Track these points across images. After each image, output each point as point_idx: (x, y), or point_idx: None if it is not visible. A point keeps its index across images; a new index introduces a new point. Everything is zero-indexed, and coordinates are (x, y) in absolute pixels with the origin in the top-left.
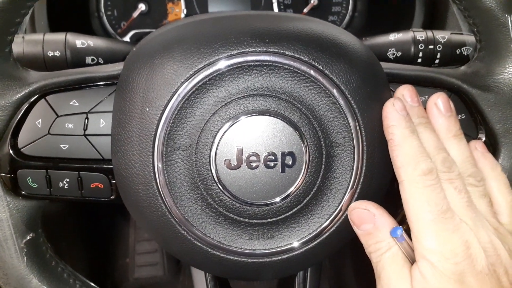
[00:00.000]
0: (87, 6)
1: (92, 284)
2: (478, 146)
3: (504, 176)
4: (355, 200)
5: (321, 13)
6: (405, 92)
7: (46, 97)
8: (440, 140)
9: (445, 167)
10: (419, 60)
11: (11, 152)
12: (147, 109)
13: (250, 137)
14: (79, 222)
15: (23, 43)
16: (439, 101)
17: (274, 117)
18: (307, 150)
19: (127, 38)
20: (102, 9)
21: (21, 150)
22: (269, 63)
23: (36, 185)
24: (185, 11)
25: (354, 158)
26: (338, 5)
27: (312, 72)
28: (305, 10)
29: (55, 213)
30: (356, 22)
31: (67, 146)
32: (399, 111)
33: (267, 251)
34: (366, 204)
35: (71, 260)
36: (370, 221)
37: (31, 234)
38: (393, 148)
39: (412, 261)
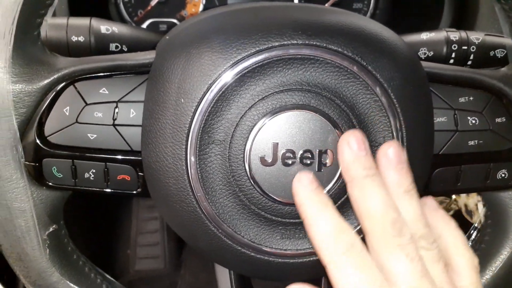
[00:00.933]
0: None
1: (111, 278)
2: (429, 202)
3: (459, 231)
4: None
5: (341, 8)
6: (350, 138)
7: (75, 84)
8: (389, 196)
9: (396, 230)
10: (451, 61)
11: (37, 140)
12: (182, 100)
13: (286, 133)
14: (80, 213)
15: (47, 27)
16: (390, 151)
17: (313, 112)
18: None
19: (144, 27)
20: None
21: (47, 138)
22: (311, 57)
23: (61, 175)
24: (204, 1)
25: None
26: (360, 2)
27: (355, 68)
28: (326, 5)
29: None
30: (377, 20)
31: (95, 135)
32: (307, 185)
33: (298, 252)
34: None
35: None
36: None
37: (54, 226)
38: (308, 229)
39: None
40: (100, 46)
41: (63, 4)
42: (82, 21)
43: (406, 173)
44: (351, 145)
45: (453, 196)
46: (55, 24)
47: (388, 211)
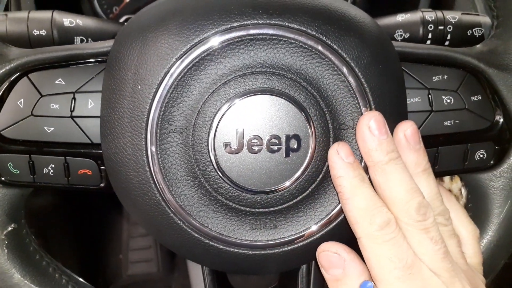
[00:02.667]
0: None
1: (79, 278)
2: None
3: (460, 205)
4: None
5: None
6: (371, 123)
7: (29, 75)
8: (411, 179)
9: (420, 215)
10: (428, 42)
11: None
12: (139, 87)
13: (251, 119)
14: (70, 216)
15: (6, 21)
16: (408, 132)
17: (278, 96)
18: (314, 132)
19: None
20: None
21: (1, 132)
22: (273, 37)
23: (18, 171)
24: None
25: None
26: None
27: (319, 47)
28: None
29: (43, 207)
30: (359, 5)
31: (52, 128)
32: (345, 158)
33: (269, 242)
34: (337, 247)
35: (61, 256)
36: (339, 266)
37: (12, 225)
38: (344, 202)
39: None
40: (64, 40)
41: (29, 0)
42: (44, 14)
43: (423, 152)
44: (372, 130)
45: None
46: (15, 18)
47: (413, 196)
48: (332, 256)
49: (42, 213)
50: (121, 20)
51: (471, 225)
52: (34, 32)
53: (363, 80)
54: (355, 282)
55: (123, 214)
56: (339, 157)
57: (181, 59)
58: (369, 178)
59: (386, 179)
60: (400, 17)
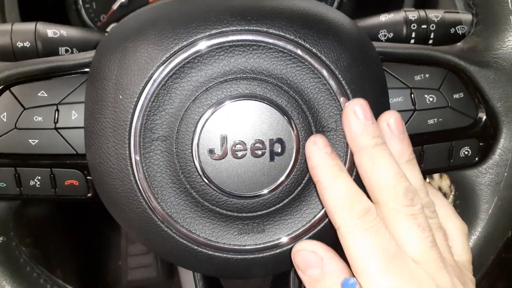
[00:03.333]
0: None
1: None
2: None
3: (447, 201)
4: None
5: None
6: (356, 108)
7: (11, 89)
8: (398, 165)
9: (408, 200)
10: (412, 41)
11: None
12: (121, 97)
13: (234, 124)
14: (67, 224)
15: None
16: (391, 121)
17: (260, 101)
18: (297, 136)
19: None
20: (80, 1)
21: None
22: (252, 43)
23: (4, 185)
24: None
25: (347, 143)
26: None
27: (299, 51)
28: None
29: (40, 216)
30: (345, 7)
31: (37, 141)
32: (322, 148)
33: (258, 246)
34: (313, 246)
35: (60, 265)
36: (317, 266)
37: (1, 238)
38: (322, 193)
39: None
40: (48, 51)
41: (14, 13)
42: (27, 26)
43: (407, 142)
44: (358, 114)
45: (427, 179)
46: None
47: (400, 180)
48: (308, 255)
49: (39, 222)
50: (108, 28)
51: (459, 221)
52: (18, 44)
53: (343, 82)
54: (336, 281)
55: None
56: (316, 147)
57: (161, 68)
58: (349, 168)
59: (373, 163)
60: (384, 17)
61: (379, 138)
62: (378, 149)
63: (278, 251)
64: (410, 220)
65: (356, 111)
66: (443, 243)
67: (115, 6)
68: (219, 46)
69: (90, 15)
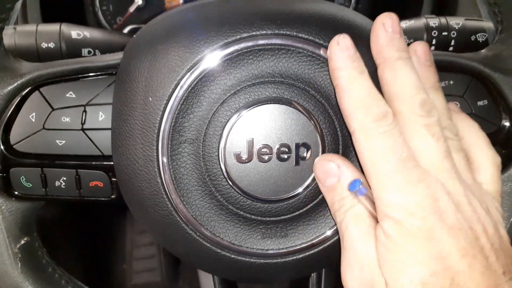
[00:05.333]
0: (81, 0)
1: None
2: (452, 106)
3: (483, 133)
4: None
5: None
6: (386, 20)
7: (40, 89)
8: (419, 79)
9: (424, 111)
10: (432, 48)
11: (3, 148)
12: (150, 99)
13: (261, 128)
14: (74, 227)
15: (15, 35)
16: (419, 48)
17: (287, 105)
18: (323, 140)
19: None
20: (97, 4)
21: (13, 146)
22: (281, 47)
23: (31, 185)
24: (182, 2)
25: None
26: None
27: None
28: None
29: (49, 218)
30: (360, 11)
31: (64, 141)
32: (344, 50)
33: (280, 251)
34: (331, 156)
35: (66, 267)
36: (334, 175)
37: (25, 238)
38: (340, 95)
39: (376, 219)
40: (72, 52)
41: (36, 13)
42: (52, 27)
43: (434, 70)
44: (386, 27)
45: None
46: (23, 31)
47: (419, 92)
48: (326, 164)
49: (47, 225)
50: (125, 30)
51: (491, 151)
52: (43, 45)
53: None
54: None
55: (127, 224)
56: (338, 48)
57: (191, 71)
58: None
59: (394, 74)
60: (404, 24)
61: (404, 52)
62: (401, 61)
63: (300, 256)
64: (424, 129)
65: (385, 24)
66: (462, 163)
67: (132, 9)
68: (249, 49)
69: (107, 17)
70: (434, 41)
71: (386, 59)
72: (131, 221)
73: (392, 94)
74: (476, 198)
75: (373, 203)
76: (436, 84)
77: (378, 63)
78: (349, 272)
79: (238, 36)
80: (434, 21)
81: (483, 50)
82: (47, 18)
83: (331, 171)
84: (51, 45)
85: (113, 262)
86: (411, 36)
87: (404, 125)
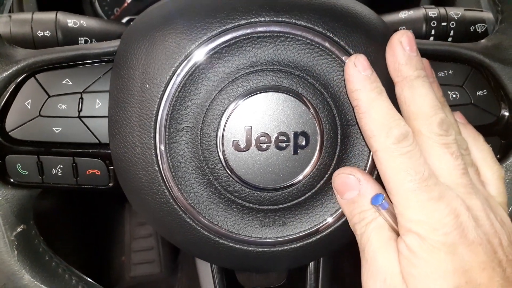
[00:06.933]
0: None
1: (88, 279)
2: (458, 117)
3: (487, 146)
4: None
5: None
6: (403, 39)
7: (36, 76)
8: (436, 98)
9: (443, 130)
10: (431, 38)
11: None
12: (148, 86)
13: (259, 116)
14: (72, 219)
15: (10, 23)
16: (425, 63)
17: (286, 93)
18: (322, 129)
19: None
20: None
21: (9, 133)
22: (280, 34)
23: (27, 172)
24: None
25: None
26: None
27: (327, 44)
28: None
29: (47, 210)
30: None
31: (60, 129)
32: (362, 71)
33: (278, 239)
34: (351, 169)
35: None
36: (355, 188)
37: (22, 226)
38: (360, 116)
39: (398, 232)
40: (68, 40)
41: (31, 2)
42: (48, 15)
43: (437, 85)
44: (404, 45)
45: None
46: (19, 20)
47: (437, 111)
48: (347, 178)
49: (45, 216)
50: (123, 21)
51: (496, 165)
52: (39, 33)
53: None
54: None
55: (125, 215)
56: (356, 70)
57: (188, 58)
58: (370, 170)
59: (412, 93)
60: (403, 14)
61: (421, 71)
62: (419, 80)
63: (298, 244)
64: (443, 148)
65: (402, 42)
66: (475, 177)
67: (129, 0)
68: (247, 37)
69: (104, 8)
70: (433, 32)
71: (405, 78)
72: (129, 213)
73: (411, 113)
74: (492, 211)
75: (394, 217)
76: (442, 98)
77: (396, 81)
78: (371, 282)
79: (236, 23)
80: (433, 12)
81: (482, 40)
82: (42, 8)
83: (351, 185)
84: (47, 33)
85: (112, 254)
86: (410, 26)
87: (423, 143)
